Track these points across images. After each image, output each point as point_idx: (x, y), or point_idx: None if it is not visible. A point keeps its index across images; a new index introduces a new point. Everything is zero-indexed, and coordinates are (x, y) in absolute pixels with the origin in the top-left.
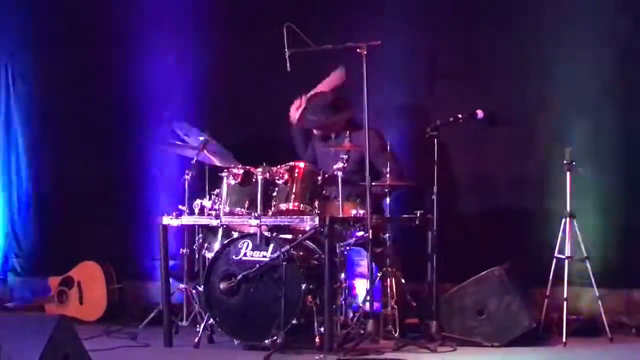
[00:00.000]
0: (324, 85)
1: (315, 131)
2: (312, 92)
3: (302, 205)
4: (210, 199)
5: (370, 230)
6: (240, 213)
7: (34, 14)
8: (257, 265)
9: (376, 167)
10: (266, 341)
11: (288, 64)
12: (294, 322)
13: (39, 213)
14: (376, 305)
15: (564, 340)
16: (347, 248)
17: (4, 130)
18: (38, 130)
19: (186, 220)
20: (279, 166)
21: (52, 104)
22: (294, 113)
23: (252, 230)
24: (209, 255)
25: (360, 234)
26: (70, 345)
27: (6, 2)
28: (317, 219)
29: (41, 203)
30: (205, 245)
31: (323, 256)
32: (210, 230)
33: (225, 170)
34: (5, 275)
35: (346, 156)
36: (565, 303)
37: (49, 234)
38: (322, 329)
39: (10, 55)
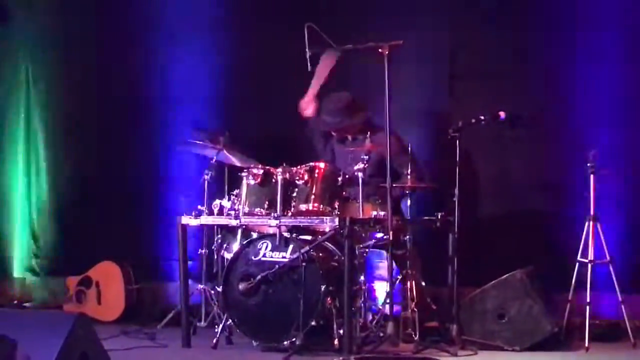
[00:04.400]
0: (320, 73)
1: (333, 132)
2: (314, 84)
3: (322, 206)
4: (229, 199)
5: (391, 232)
6: (259, 213)
7: (54, 15)
8: (277, 266)
9: (396, 169)
10: (285, 342)
11: (309, 64)
12: (313, 323)
13: (57, 213)
14: (396, 307)
15: (586, 345)
16: (367, 250)
17: (25, 131)
18: (57, 131)
19: (205, 220)
20: (299, 166)
21: (72, 104)
22: (307, 109)
23: (271, 230)
24: (228, 255)
25: (379, 235)
26: (88, 343)
27: (26, 3)
28: (337, 220)
29: (60, 203)
30: (224, 245)
31: (343, 258)
32: (229, 231)
33: (245, 171)
34: (24, 276)
35: (367, 157)
36: (587, 307)
37: (67, 234)
38: (341, 331)
39: (31, 56)
